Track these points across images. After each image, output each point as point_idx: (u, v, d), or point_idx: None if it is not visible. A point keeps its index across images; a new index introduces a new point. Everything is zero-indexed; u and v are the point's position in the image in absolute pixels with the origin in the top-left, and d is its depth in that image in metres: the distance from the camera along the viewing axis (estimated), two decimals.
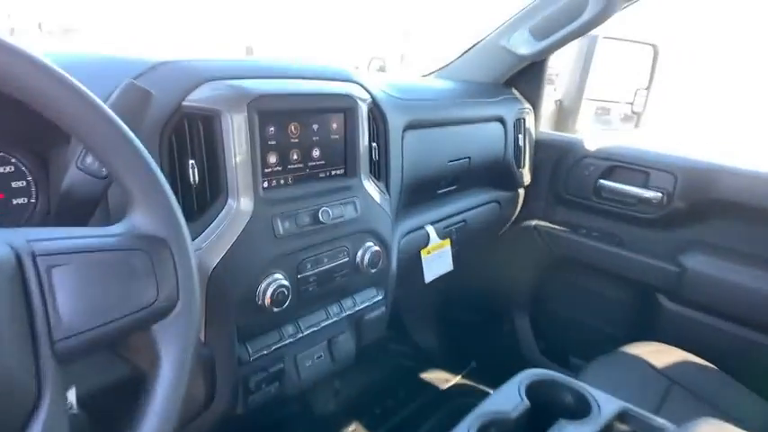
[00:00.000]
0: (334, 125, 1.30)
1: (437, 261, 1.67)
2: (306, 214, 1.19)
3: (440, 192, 1.72)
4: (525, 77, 2.00)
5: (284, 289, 1.08)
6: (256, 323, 1.10)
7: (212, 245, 1.11)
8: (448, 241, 1.66)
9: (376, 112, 1.35)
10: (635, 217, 1.78)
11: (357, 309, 1.31)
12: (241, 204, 1.09)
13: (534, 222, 2.12)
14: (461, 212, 1.77)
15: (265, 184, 1.14)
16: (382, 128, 1.38)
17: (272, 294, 1.06)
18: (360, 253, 1.29)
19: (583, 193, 1.90)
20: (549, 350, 2.22)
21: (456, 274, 1.68)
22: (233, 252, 1.05)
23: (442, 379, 2.30)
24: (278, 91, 1.20)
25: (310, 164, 1.23)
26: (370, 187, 1.34)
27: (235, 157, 1.11)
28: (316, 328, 1.21)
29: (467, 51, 2.24)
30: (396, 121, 1.41)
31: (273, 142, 1.23)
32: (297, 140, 1.26)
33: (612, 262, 1.85)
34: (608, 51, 2.59)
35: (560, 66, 2.67)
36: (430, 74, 2.13)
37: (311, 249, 1.20)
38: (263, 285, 1.08)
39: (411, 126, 1.47)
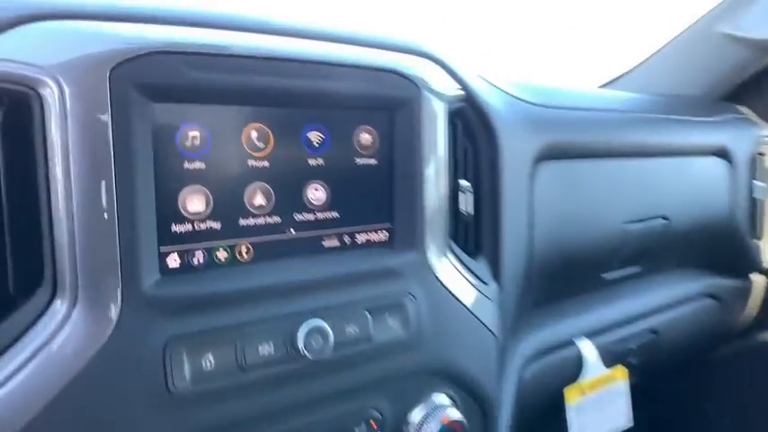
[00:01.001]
0: (366, 138, 0.66)
1: (600, 410, 1.02)
2: (268, 336, 0.58)
3: (607, 278, 1.08)
4: (764, 87, 1.33)
5: None
6: None
7: (12, 395, 0.48)
8: (621, 370, 1.05)
9: (474, 121, 0.79)
10: None
11: None
12: (88, 311, 0.50)
13: None
14: (648, 316, 1.13)
15: (172, 262, 0.56)
16: (487, 152, 0.81)
17: None
18: (412, 426, 0.66)
19: None
20: None
21: None
22: (56, 415, 0.48)
23: None
24: (206, 46, 0.54)
25: (300, 216, 0.64)
26: (450, 272, 0.73)
27: (68, 196, 0.50)
28: None
29: (657, 53, 1.46)
30: (519, 143, 0.84)
31: (197, 166, 0.56)
32: (264, 163, 0.60)
33: None
34: None
35: None
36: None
37: (274, 422, 0.59)
38: None
39: (551, 154, 0.90)
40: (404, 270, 0.67)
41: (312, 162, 0.62)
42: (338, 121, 0.63)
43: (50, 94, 0.48)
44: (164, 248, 0.54)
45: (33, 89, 0.48)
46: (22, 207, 0.49)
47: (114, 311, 0.50)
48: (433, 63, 0.71)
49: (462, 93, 0.75)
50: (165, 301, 0.53)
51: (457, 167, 0.76)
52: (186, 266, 0.56)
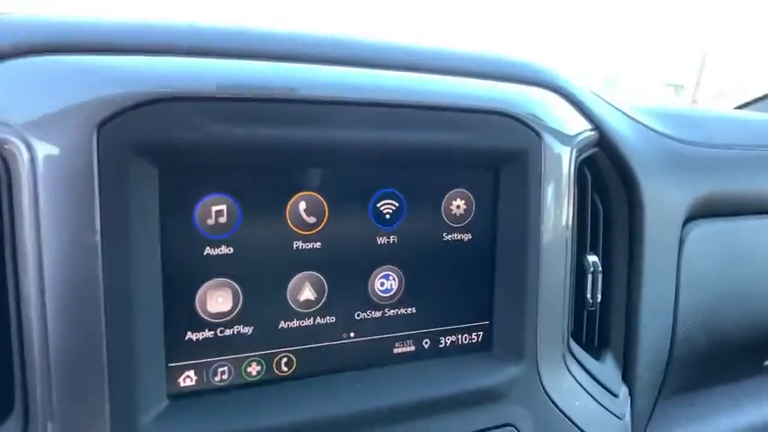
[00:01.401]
0: (458, 206, 0.48)
1: None
2: None
3: None
4: None
5: None
6: None
7: None
8: None
9: (608, 172, 0.58)
10: None
11: None
12: None
13: None
14: None
15: (186, 381, 0.41)
16: (624, 214, 0.59)
17: None
18: None
19: None
20: None
21: None
22: None
23: None
24: (235, 87, 0.39)
25: (362, 314, 0.46)
26: (569, 388, 0.53)
27: (40, 293, 0.36)
28: None
29: None
30: (667, 197, 0.61)
31: (222, 251, 0.41)
32: (315, 245, 0.44)
33: None
34: None
35: None
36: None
37: None
38: None
39: (707, 210, 0.66)
40: (505, 390, 0.48)
41: (382, 241, 0.45)
42: (420, 184, 0.46)
43: (19, 159, 0.34)
44: (174, 364, 0.40)
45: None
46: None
47: None
48: (558, 95, 0.52)
49: (595, 134, 0.55)
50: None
51: (582, 238, 0.56)
52: (205, 386, 0.41)
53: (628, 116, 0.65)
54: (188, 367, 0.41)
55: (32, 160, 0.34)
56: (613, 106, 0.63)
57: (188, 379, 0.41)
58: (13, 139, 0.34)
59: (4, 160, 0.35)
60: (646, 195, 0.59)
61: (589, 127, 0.55)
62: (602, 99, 0.61)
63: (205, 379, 0.41)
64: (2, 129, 0.34)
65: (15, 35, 0.36)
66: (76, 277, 0.35)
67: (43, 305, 0.35)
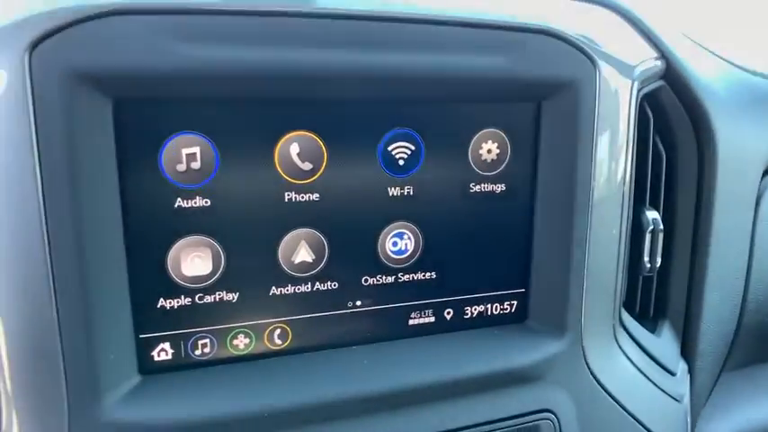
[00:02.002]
0: (488, 149, 0.39)
1: None
2: None
3: None
4: None
5: None
6: None
7: None
8: None
9: (675, 111, 0.47)
10: None
11: None
12: None
13: None
14: None
15: (161, 354, 0.35)
16: (692, 161, 0.49)
17: None
18: None
19: None
20: None
21: None
22: None
23: None
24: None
25: (371, 279, 0.38)
26: (620, 367, 0.45)
27: None
28: None
29: None
30: (745, 143, 0.51)
31: (197, 203, 0.34)
32: (312, 196, 0.36)
33: None
34: None
35: None
36: None
37: None
38: None
39: None
40: (543, 370, 0.40)
41: (394, 192, 0.37)
42: (443, 122, 0.37)
43: None
44: (146, 335, 0.34)
45: None
46: None
47: None
48: (617, 15, 0.42)
49: (661, 63, 0.45)
50: (145, 425, 0.32)
51: (640, 190, 0.47)
52: (184, 361, 0.35)
53: (700, 45, 0.53)
54: (162, 339, 0.34)
55: None
56: (686, 35, 0.52)
57: (163, 352, 0.35)
58: None
59: None
60: (719, 140, 0.49)
61: (654, 55, 0.45)
62: (673, 26, 0.50)
63: (183, 352, 0.35)
64: None
65: None
66: (13, 233, 0.29)
67: None
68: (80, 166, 0.29)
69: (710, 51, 0.56)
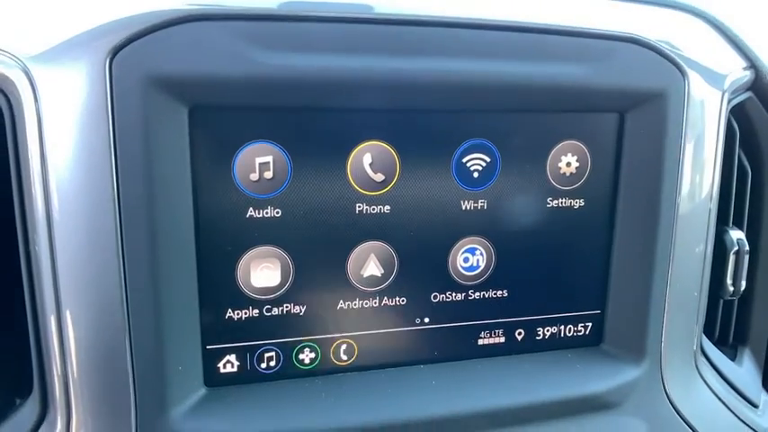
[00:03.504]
0: (568, 162, 0.37)
1: None
2: None
3: None
4: None
5: None
6: None
7: None
8: None
9: (764, 123, 0.43)
10: None
11: None
12: None
13: None
14: None
15: (227, 366, 0.34)
16: None
17: None
18: None
19: None
20: None
21: None
22: None
23: None
24: (284, 4, 0.30)
25: (441, 296, 0.37)
26: (700, 396, 0.41)
27: (52, 265, 0.29)
28: None
29: None
30: None
31: (268, 213, 0.33)
32: (383, 208, 0.34)
33: None
34: None
35: None
36: None
37: None
38: None
39: None
40: (620, 397, 0.38)
41: (467, 206, 0.35)
42: (520, 134, 0.35)
43: (22, 97, 0.28)
44: (212, 346, 0.33)
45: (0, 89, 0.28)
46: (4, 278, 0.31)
47: None
48: (705, 23, 0.39)
49: (749, 73, 0.42)
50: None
51: (723, 209, 0.44)
52: (249, 374, 0.34)
53: None
54: (229, 351, 0.34)
55: (36, 99, 0.27)
56: None
57: (229, 364, 0.34)
58: (15, 74, 0.28)
59: (7, 98, 0.28)
60: None
61: (743, 65, 0.42)
62: (762, 32, 0.47)
63: (249, 365, 0.34)
64: (8, 60, 0.27)
65: None
66: (90, 240, 0.29)
67: (54, 270, 0.29)
68: (155, 172, 0.29)
69: None
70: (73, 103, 0.28)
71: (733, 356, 0.48)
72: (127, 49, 0.27)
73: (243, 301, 0.33)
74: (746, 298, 0.48)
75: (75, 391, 0.30)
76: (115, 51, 0.27)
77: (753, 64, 0.43)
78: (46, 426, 0.32)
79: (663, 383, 0.39)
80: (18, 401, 0.33)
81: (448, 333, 0.37)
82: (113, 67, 0.27)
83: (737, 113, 0.45)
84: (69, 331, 0.30)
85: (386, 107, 0.33)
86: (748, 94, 0.43)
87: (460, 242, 0.36)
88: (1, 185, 0.30)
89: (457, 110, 0.34)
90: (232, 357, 0.34)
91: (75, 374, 0.30)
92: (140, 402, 0.31)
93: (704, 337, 0.44)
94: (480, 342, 0.38)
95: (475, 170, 0.35)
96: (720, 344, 0.48)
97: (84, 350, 0.30)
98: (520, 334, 0.38)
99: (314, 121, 0.32)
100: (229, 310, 0.33)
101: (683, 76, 0.36)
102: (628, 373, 0.38)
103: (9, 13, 0.28)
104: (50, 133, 0.28)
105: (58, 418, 0.31)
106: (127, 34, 0.27)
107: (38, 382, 0.31)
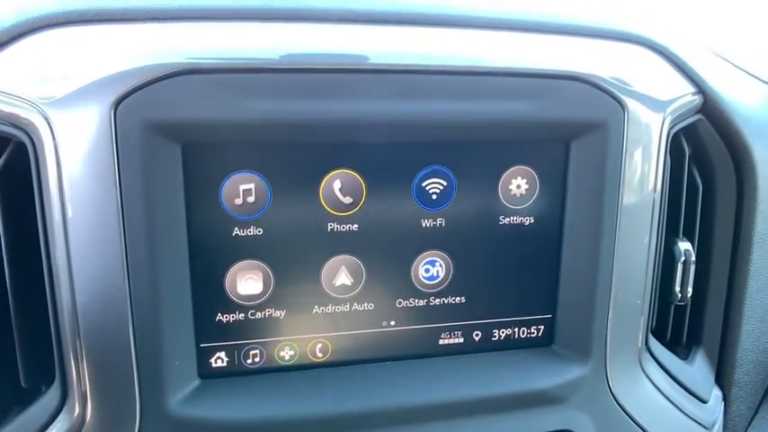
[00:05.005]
0: (518, 185, 0.42)
1: None
2: None
3: None
4: None
5: None
6: None
7: None
8: None
9: (713, 143, 0.48)
10: None
11: None
12: (101, 426, 0.37)
13: None
14: None
15: (218, 361, 0.40)
16: (729, 193, 0.49)
17: None
18: None
19: None
20: None
21: None
22: None
23: None
24: (262, 58, 0.36)
25: (405, 302, 0.42)
26: (645, 394, 0.47)
27: (69, 273, 0.35)
28: None
29: None
30: None
31: (251, 232, 0.39)
32: (351, 226, 0.40)
33: None
34: None
35: None
36: None
37: None
38: None
39: None
40: (566, 392, 0.43)
41: (427, 224, 0.40)
42: (474, 160, 0.40)
43: (44, 137, 0.33)
44: (205, 344, 0.39)
45: (24, 130, 0.34)
46: (26, 281, 0.37)
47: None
48: (651, 52, 0.43)
49: (697, 98, 0.45)
50: (203, 422, 0.37)
51: (674, 222, 0.48)
52: (237, 368, 0.40)
53: (749, 74, 0.53)
54: (219, 348, 0.40)
55: (54, 138, 0.33)
56: (731, 62, 0.52)
57: (219, 360, 0.40)
58: (36, 118, 0.33)
59: (30, 138, 0.34)
60: (761, 172, 0.49)
61: (690, 90, 0.45)
62: (714, 54, 0.51)
63: (237, 361, 0.40)
64: (23, 106, 0.33)
65: (25, 12, 0.34)
66: (99, 254, 0.34)
67: (71, 279, 0.35)
68: (154, 199, 0.35)
69: (753, 75, 0.55)
70: (84, 142, 0.33)
71: (686, 357, 0.52)
72: (128, 100, 0.33)
73: (231, 306, 0.39)
74: (700, 302, 0.52)
75: (89, 382, 0.36)
76: (119, 101, 0.33)
77: (701, 89, 0.46)
78: (66, 410, 0.38)
79: (607, 380, 0.44)
80: (44, 389, 0.39)
81: (411, 334, 0.42)
82: (117, 114, 0.33)
83: (690, 133, 0.48)
84: (83, 333, 0.36)
85: (352, 141, 0.38)
86: (698, 116, 0.47)
87: (421, 255, 0.41)
88: (22, 209, 0.36)
89: (416, 142, 0.39)
90: (222, 354, 0.40)
91: (89, 368, 0.36)
92: (143, 391, 0.37)
93: (653, 339, 0.49)
94: (441, 342, 0.43)
95: (433, 193, 0.40)
96: (675, 345, 0.52)
97: (95, 347, 0.36)
98: (477, 335, 0.43)
99: (290, 153, 0.37)
100: (219, 314, 0.39)
101: (623, 108, 0.40)
102: (574, 371, 0.43)
103: (30, 66, 0.34)
104: (66, 167, 0.33)
105: (77, 404, 0.37)
106: (128, 86, 0.33)
107: (59, 374, 0.38)
